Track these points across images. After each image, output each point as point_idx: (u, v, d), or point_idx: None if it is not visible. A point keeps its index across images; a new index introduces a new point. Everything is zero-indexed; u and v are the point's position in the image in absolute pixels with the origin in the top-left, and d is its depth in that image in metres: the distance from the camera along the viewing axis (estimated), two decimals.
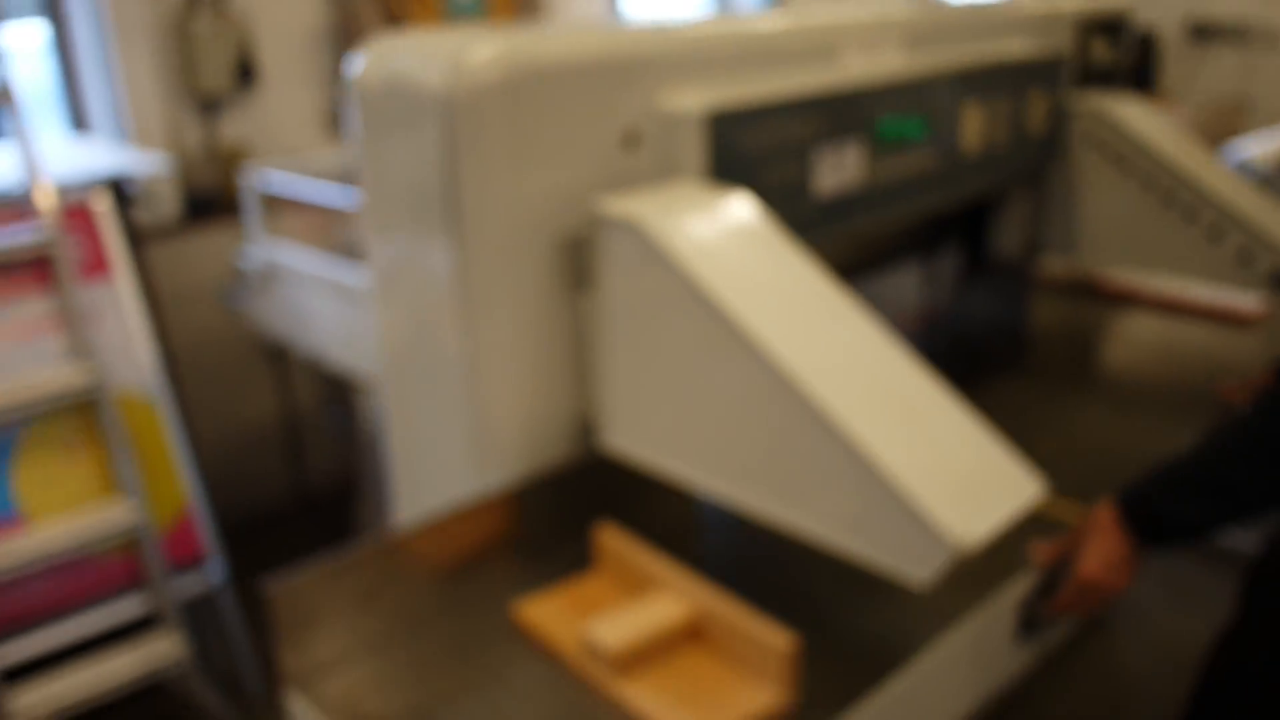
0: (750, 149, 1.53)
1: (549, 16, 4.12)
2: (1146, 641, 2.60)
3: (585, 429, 1.50)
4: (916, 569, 1.12)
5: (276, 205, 2.63)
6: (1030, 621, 1.43)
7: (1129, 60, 2.41)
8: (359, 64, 1.49)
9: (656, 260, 1.29)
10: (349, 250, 2.42)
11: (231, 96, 3.38)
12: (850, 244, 2.21)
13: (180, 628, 2.31)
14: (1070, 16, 2.22)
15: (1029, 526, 1.48)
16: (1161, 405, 2.05)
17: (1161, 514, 1.29)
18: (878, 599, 1.39)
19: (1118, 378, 2.27)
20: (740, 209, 1.40)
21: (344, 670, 1.28)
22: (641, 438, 1.41)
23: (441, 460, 1.57)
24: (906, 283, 2.45)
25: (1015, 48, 2.08)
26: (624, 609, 1.27)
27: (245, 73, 3.35)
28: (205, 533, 2.47)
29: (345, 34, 3.51)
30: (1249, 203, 2.00)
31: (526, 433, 1.48)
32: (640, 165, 1.49)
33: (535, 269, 1.43)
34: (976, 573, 1.38)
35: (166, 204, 3.21)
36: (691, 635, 1.26)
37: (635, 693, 1.19)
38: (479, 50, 1.34)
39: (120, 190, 2.64)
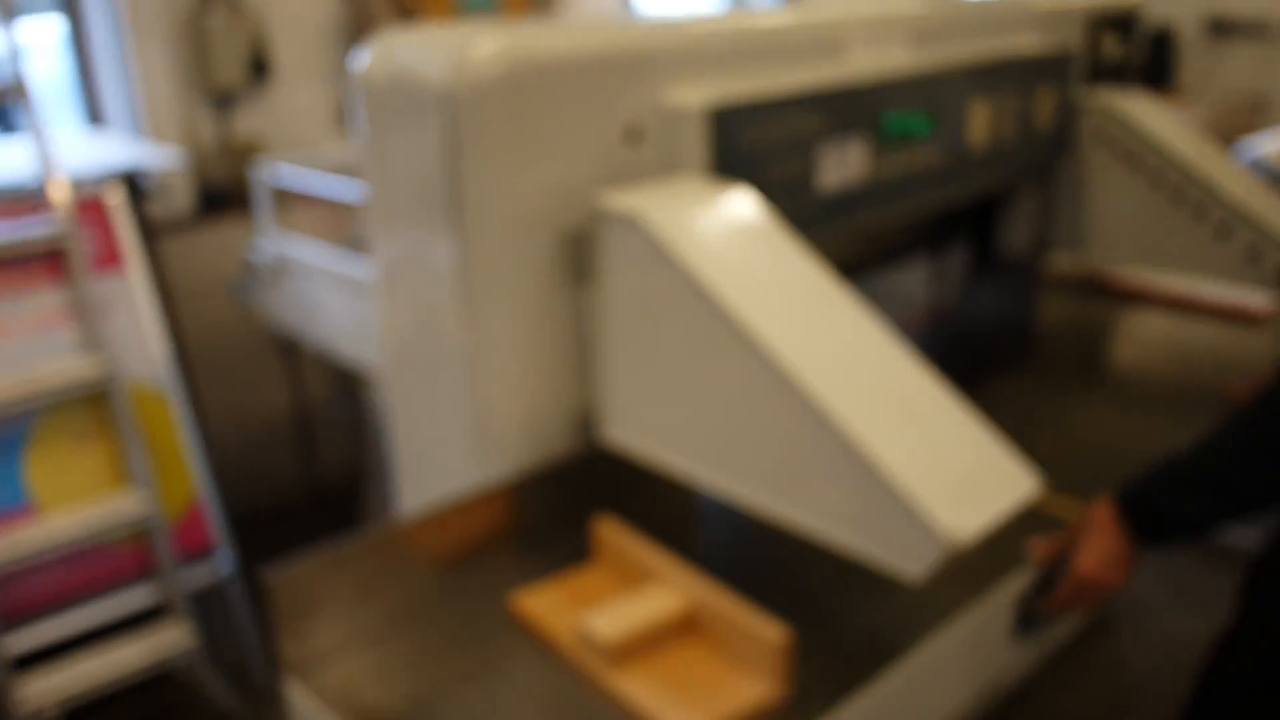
0: (753, 144, 1.53)
1: (561, 12, 4.13)
2: (1150, 640, 2.59)
3: (586, 422, 1.51)
4: (910, 564, 1.12)
5: (288, 199, 2.65)
6: (1028, 618, 1.43)
7: (1142, 56, 2.40)
8: (364, 59, 1.50)
9: (657, 255, 1.30)
10: (359, 244, 2.44)
11: (245, 91, 3.40)
12: (858, 240, 2.21)
13: (189, 618, 2.33)
14: (1080, 12, 2.22)
15: (1028, 523, 1.48)
16: (1168, 403, 2.05)
17: (1160, 511, 1.29)
18: (876, 594, 1.39)
19: (1125, 375, 2.26)
20: (741, 204, 1.40)
21: (343, 659, 1.29)
22: (641, 432, 1.42)
23: (444, 452, 1.58)
24: (914, 279, 2.45)
25: (1023, 43, 2.08)
26: (620, 601, 1.28)
27: (259, 68, 3.37)
28: (215, 524, 2.49)
29: (358, 29, 3.52)
30: (1258, 200, 2.00)
31: (528, 426, 1.49)
32: (643, 160, 1.49)
33: (537, 263, 1.44)
34: (974, 569, 1.39)
35: (180, 198, 3.23)
36: (687, 628, 1.27)
37: (630, 684, 1.20)
38: (482, 45, 1.35)
39: (134, 184, 2.67)
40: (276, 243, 2.61)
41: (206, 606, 2.44)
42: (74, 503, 2.28)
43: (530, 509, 1.50)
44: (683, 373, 1.31)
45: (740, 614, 1.21)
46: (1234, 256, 2.00)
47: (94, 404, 2.32)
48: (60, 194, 2.29)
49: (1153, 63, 5.49)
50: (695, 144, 1.48)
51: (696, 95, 1.48)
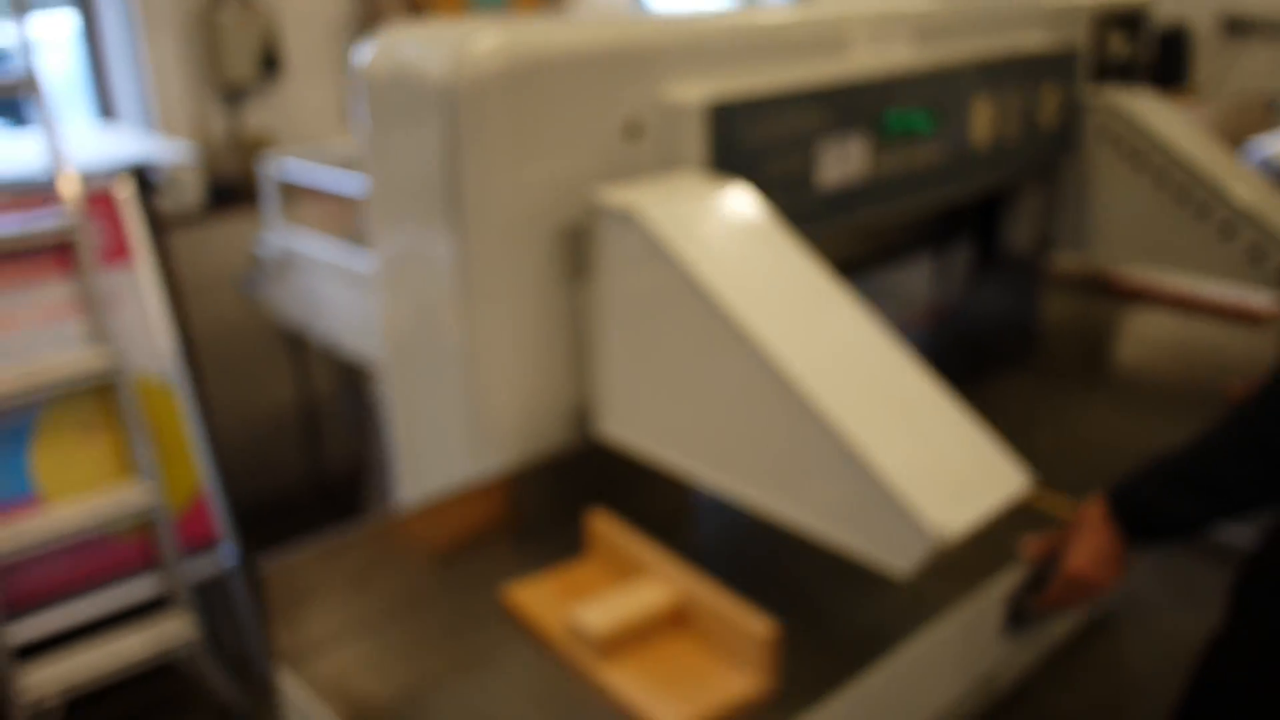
0: (752, 141, 1.53)
1: (571, 8, 4.13)
2: (1149, 640, 2.59)
3: (582, 417, 1.52)
4: (898, 559, 1.13)
5: (296, 193, 2.66)
6: (1019, 616, 1.43)
7: (1150, 55, 2.39)
8: (366, 54, 1.51)
9: (653, 250, 1.30)
10: (364, 238, 2.45)
11: (256, 86, 3.42)
12: (861, 237, 2.21)
13: (191, 609, 2.35)
14: (1087, 10, 2.21)
15: (1021, 521, 1.49)
16: (1169, 403, 2.04)
17: (1151, 510, 1.29)
18: (868, 590, 1.40)
19: (1127, 375, 2.25)
20: (738, 201, 1.40)
21: (336, 649, 1.30)
22: (636, 426, 1.42)
23: (441, 445, 1.58)
24: (918, 277, 2.45)
25: (1029, 41, 2.08)
26: (610, 594, 1.29)
27: (269, 63, 3.39)
28: (219, 516, 2.51)
29: (368, 25, 3.54)
30: (1262, 200, 1.99)
31: (524, 419, 1.49)
32: (642, 156, 1.50)
33: (536, 258, 1.44)
34: (965, 566, 1.39)
35: (190, 192, 3.25)
36: (676, 621, 1.28)
37: (618, 676, 1.20)
38: (482, 41, 1.36)
39: (144, 178, 2.68)
40: (283, 237, 2.63)
41: (209, 598, 2.46)
42: (79, 494, 2.30)
43: (526, 502, 1.50)
44: (677, 368, 1.32)
45: (728, 607, 1.21)
46: (1237, 256, 2.00)
47: (100, 396, 2.34)
48: (70, 187, 2.31)
49: (1167, 61, 5.46)
50: (694, 140, 1.48)
51: (696, 91, 1.48)
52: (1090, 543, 1.32)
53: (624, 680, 1.20)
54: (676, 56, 1.51)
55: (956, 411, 1.23)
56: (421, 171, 1.44)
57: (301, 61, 3.49)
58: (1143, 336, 2.41)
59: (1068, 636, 2.62)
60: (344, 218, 2.60)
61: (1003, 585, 1.44)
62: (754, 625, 1.18)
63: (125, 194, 2.50)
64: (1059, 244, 2.31)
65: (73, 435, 2.32)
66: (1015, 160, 2.05)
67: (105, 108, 3.38)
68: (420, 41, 1.44)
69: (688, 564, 1.31)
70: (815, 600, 1.40)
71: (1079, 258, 2.31)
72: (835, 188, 1.67)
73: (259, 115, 3.46)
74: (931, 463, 1.16)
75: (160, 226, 2.77)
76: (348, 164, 2.57)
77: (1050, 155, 2.16)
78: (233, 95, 3.40)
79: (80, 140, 2.79)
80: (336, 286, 2.42)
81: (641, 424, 1.42)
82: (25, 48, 2.32)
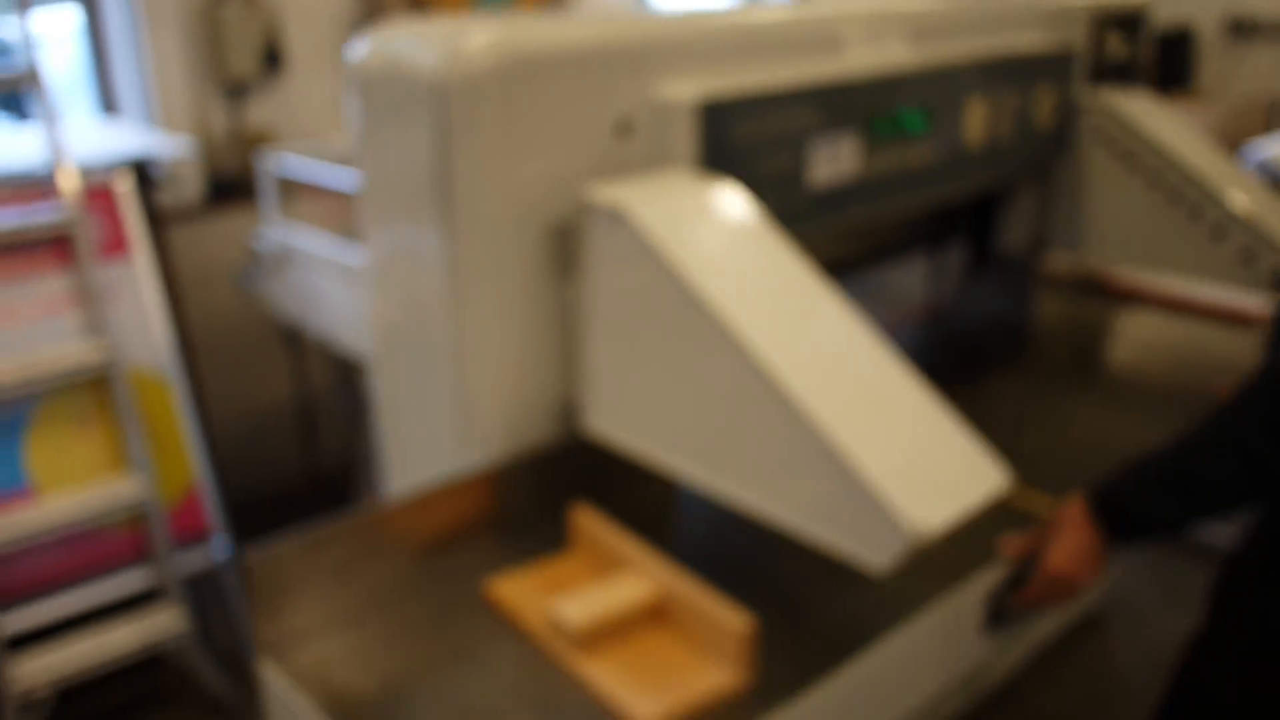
0: (743, 139, 1.54)
1: (575, 7, 4.13)
2: (1137, 640, 2.59)
3: (568, 412, 1.52)
4: (876, 556, 1.13)
5: (294, 189, 2.67)
6: (999, 614, 1.43)
7: (1148, 56, 2.39)
8: (360, 50, 1.52)
9: (640, 247, 1.31)
10: (360, 234, 2.45)
11: (258, 82, 3.42)
12: (855, 236, 2.22)
13: (182, 602, 2.35)
14: (1085, 11, 2.21)
15: (1002, 519, 1.49)
16: (1159, 404, 2.04)
17: (1131, 510, 1.29)
18: (849, 587, 1.40)
19: (1118, 375, 2.25)
20: (727, 199, 1.41)
21: (318, 640, 1.31)
22: (621, 422, 1.43)
23: (429, 438, 1.59)
24: (913, 276, 2.45)
25: (1025, 42, 2.08)
26: (590, 588, 1.29)
27: (272, 59, 3.40)
28: (212, 509, 2.51)
29: (370, 21, 3.54)
30: (1254, 203, 1.99)
31: (511, 414, 1.50)
32: (633, 154, 1.50)
33: (525, 255, 1.45)
34: (946, 563, 1.40)
35: (190, 187, 3.26)
36: (656, 615, 1.28)
37: (596, 669, 1.21)
38: (474, 38, 1.36)
39: (144, 172, 2.69)
40: (280, 232, 2.64)
41: (201, 591, 2.46)
42: (72, 485, 2.30)
43: (511, 496, 1.51)
44: (663, 364, 1.32)
45: (706, 602, 1.22)
46: (1229, 258, 2.00)
47: (95, 388, 2.35)
48: (68, 181, 2.32)
49: (1171, 63, 5.45)
50: (685, 138, 1.49)
51: (687, 89, 1.49)
52: (1070, 541, 1.32)
53: (601, 673, 1.20)
54: (668, 55, 1.51)
55: (938, 410, 1.24)
56: (413, 167, 1.45)
57: (304, 58, 3.49)
58: (1134, 337, 2.41)
59: (1055, 636, 2.62)
60: (341, 213, 2.61)
61: (983, 583, 1.44)
62: (731, 620, 1.18)
63: (124, 188, 2.51)
64: (1053, 244, 2.31)
65: (67, 428, 2.33)
66: (1009, 161, 2.05)
67: (108, 103, 3.39)
68: (413, 38, 1.45)
69: (669, 559, 1.31)
70: (796, 596, 1.41)
71: (1073, 258, 2.31)
72: (826, 187, 1.68)
73: (261, 111, 3.47)
74: (911, 461, 1.16)
75: (160, 221, 2.78)
76: (346, 160, 2.58)
77: (1045, 156, 2.16)
78: (235, 91, 3.41)
79: (81, 135, 2.80)
80: (332, 282, 2.42)
81: (627, 420, 1.42)
82: (27, 42, 2.33)
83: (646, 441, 1.38)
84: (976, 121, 1.93)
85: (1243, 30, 5.45)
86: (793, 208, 1.61)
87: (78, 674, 2.22)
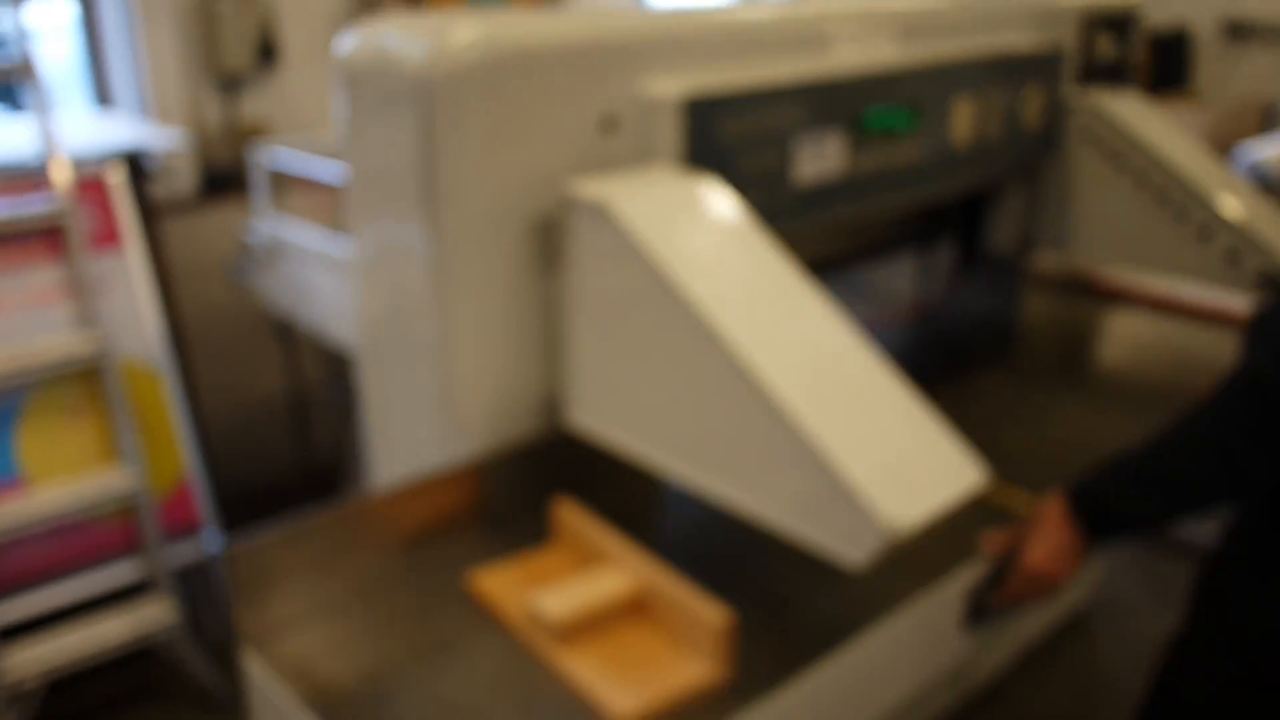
0: (728, 136, 1.54)
1: (572, 3, 4.14)
2: (1124, 639, 2.61)
3: (552, 406, 1.53)
4: (852, 551, 1.14)
5: (286, 182, 2.67)
6: (979, 611, 1.44)
7: (1140, 57, 2.40)
8: (347, 44, 1.53)
9: (621, 242, 1.31)
10: (349, 227, 2.46)
11: (253, 75, 3.43)
12: (844, 234, 2.22)
13: (172, 594, 2.36)
14: (1075, 12, 2.22)
15: (983, 517, 1.50)
16: (1144, 403, 2.05)
17: (1109, 507, 1.30)
18: (831, 583, 1.41)
19: (1104, 375, 2.27)
20: (709, 195, 1.42)
21: (301, 631, 1.32)
22: (605, 416, 1.44)
23: (414, 432, 1.60)
24: (901, 274, 2.46)
25: (1014, 42, 2.08)
26: (570, 581, 1.30)
27: (267, 52, 3.40)
28: (202, 502, 2.52)
29: (365, 15, 3.55)
30: (1240, 204, 1.99)
31: (495, 407, 1.51)
32: (618, 150, 1.51)
33: (510, 249, 1.46)
34: (927, 560, 1.41)
35: (184, 179, 3.27)
36: (636, 609, 1.29)
37: (575, 661, 1.22)
38: (459, 33, 1.37)
39: (137, 165, 2.70)
40: (272, 225, 2.64)
41: (191, 584, 2.47)
42: (63, 476, 2.31)
43: (496, 490, 1.52)
44: (645, 360, 1.33)
45: (684, 596, 1.23)
46: (1215, 259, 2.01)
47: (86, 380, 2.35)
48: (61, 172, 2.32)
49: (1168, 64, 5.46)
50: (669, 134, 1.50)
51: (672, 86, 1.49)
52: (1048, 538, 1.33)
53: (580, 666, 1.21)
54: (654, 51, 1.52)
55: (917, 407, 1.25)
56: (398, 162, 1.46)
57: (299, 51, 3.50)
58: (1121, 337, 2.42)
59: (1043, 636, 2.64)
60: (333, 207, 2.62)
61: (963, 580, 1.45)
62: (709, 614, 1.19)
63: (116, 180, 2.52)
64: (1041, 244, 2.32)
65: (59, 419, 2.34)
66: (997, 160, 2.06)
67: (103, 95, 3.40)
68: (399, 32, 1.45)
69: (650, 553, 1.32)
70: (779, 592, 1.42)
71: (1060, 258, 2.32)
72: (812, 184, 1.68)
73: (256, 104, 3.47)
74: (887, 457, 1.17)
75: (153, 213, 2.78)
76: (338, 153, 2.58)
77: (1033, 156, 2.17)
78: (230, 84, 3.42)
79: (74, 127, 2.80)
80: (323, 275, 2.43)
81: (610, 414, 1.43)
82: (21, 34, 2.34)
83: (629, 436, 1.39)
84: (964, 121, 1.94)
85: (1240, 32, 5.46)
86: (777, 205, 1.62)
87: (68, 665, 2.23)
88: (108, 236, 2.49)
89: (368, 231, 1.59)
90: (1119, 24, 2.32)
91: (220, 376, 3.29)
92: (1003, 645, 2.49)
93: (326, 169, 2.46)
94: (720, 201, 1.41)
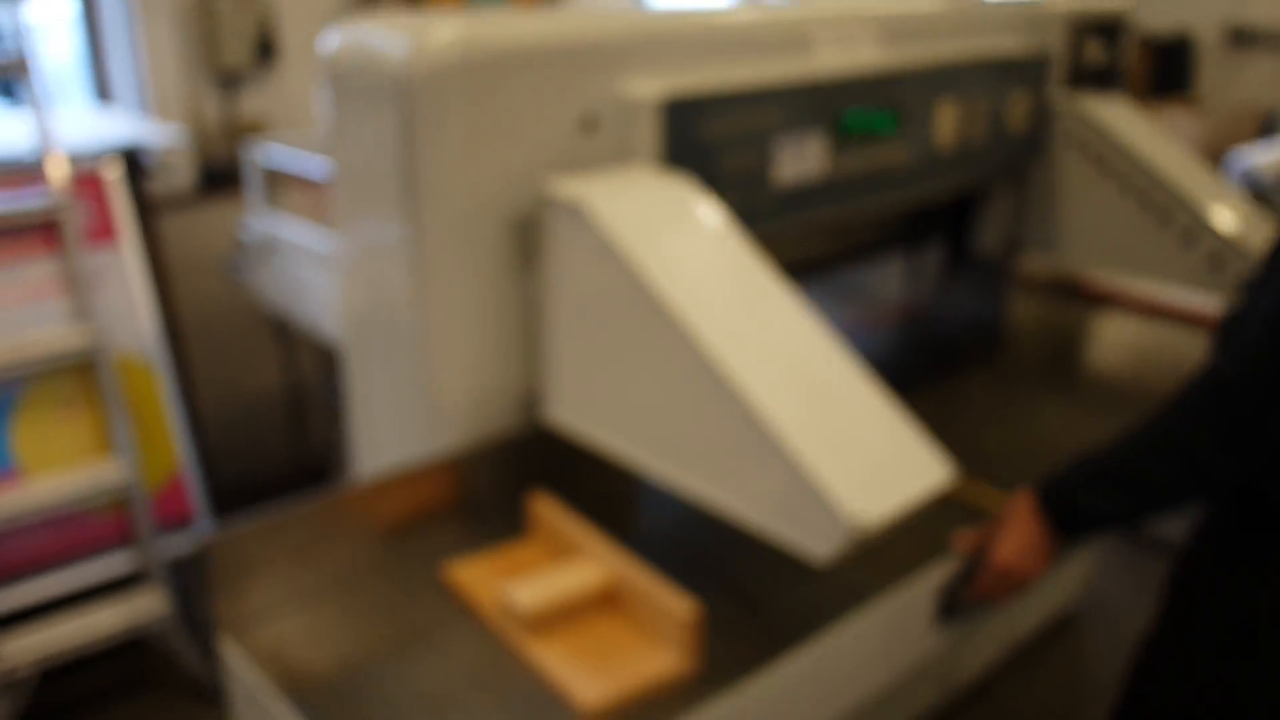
0: (707, 136, 1.56)
1: (573, 4, 4.16)
2: (1110, 638, 2.62)
3: (531, 402, 1.55)
4: (818, 546, 1.16)
5: (281, 179, 2.69)
6: (951, 607, 1.46)
7: (1132, 62, 2.42)
8: (332, 42, 1.55)
9: (596, 241, 1.33)
10: (334, 224, 2.48)
11: (251, 73, 3.45)
12: (831, 235, 2.24)
13: (165, 585, 2.39)
14: (1063, 16, 2.23)
15: (957, 515, 1.52)
16: (1128, 406, 2.06)
17: (1076, 505, 1.32)
18: (805, 579, 1.42)
19: (1089, 377, 2.28)
20: (686, 195, 1.43)
21: (277, 620, 1.34)
22: (581, 413, 1.46)
23: (396, 425, 1.62)
24: (890, 276, 2.47)
25: (1000, 45, 2.10)
26: (542, 573, 1.32)
27: (266, 50, 3.43)
28: (196, 495, 2.55)
29: (364, 13, 3.57)
30: (1223, 209, 2.01)
31: (475, 402, 1.53)
32: (598, 149, 1.53)
33: (489, 247, 1.48)
34: (901, 556, 1.42)
35: (181, 175, 3.30)
36: (607, 601, 1.31)
37: (545, 651, 1.24)
38: (439, 33, 1.39)
39: (134, 160, 2.72)
40: (266, 222, 2.67)
41: (184, 576, 2.50)
42: (58, 468, 2.34)
43: (475, 483, 1.54)
44: (620, 357, 1.35)
45: (654, 589, 1.25)
46: (1197, 263, 2.02)
47: (81, 373, 2.38)
48: (57, 167, 2.35)
49: (1170, 70, 5.47)
50: (648, 134, 1.51)
51: (651, 87, 1.51)
52: (1017, 535, 1.35)
53: (550, 655, 1.23)
54: (634, 52, 1.54)
55: (884, 405, 1.26)
56: (379, 159, 1.48)
57: (297, 48, 3.52)
58: (1107, 340, 2.44)
59: (1030, 635, 2.65)
60: (326, 204, 2.64)
61: (935, 578, 1.46)
62: (677, 606, 1.21)
63: (113, 176, 2.54)
64: (1028, 247, 2.33)
65: (54, 411, 2.36)
66: (982, 163, 2.08)
67: (102, 91, 3.43)
68: (382, 31, 1.47)
69: (623, 547, 1.34)
70: (753, 587, 1.43)
71: (1047, 261, 2.33)
72: (792, 185, 1.70)
73: (254, 101, 3.50)
74: (854, 453, 1.19)
75: (150, 209, 2.81)
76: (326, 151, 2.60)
77: (1019, 159, 2.19)
78: (228, 81, 3.44)
79: (71, 122, 2.83)
80: (315, 271, 2.45)
81: (586, 411, 1.45)
82: (18, 30, 2.36)
83: (605, 432, 1.41)
84: (947, 124, 1.95)
85: (1243, 39, 5.47)
86: (758, 206, 1.64)
87: (61, 654, 2.25)
88: (104, 231, 2.52)
89: (350, 228, 1.61)
90: (1108, 29, 2.33)
91: (217, 371, 3.31)
92: (990, 644, 2.51)
93: (320, 166, 2.48)
94: (696, 201, 1.43)
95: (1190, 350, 2.29)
